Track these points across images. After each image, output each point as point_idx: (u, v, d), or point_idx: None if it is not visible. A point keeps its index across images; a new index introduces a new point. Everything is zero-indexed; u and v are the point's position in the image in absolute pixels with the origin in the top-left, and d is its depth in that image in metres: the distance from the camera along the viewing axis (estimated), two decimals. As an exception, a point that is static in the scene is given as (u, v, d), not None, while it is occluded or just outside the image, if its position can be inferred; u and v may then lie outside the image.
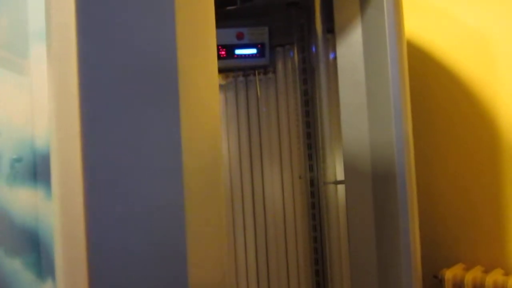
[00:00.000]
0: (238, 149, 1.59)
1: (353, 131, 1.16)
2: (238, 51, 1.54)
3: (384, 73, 1.11)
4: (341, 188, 1.25)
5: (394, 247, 1.10)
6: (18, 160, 0.66)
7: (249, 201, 1.58)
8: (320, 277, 1.48)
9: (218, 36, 1.50)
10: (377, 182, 1.11)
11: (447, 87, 1.48)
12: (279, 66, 1.58)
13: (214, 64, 0.72)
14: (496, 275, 1.28)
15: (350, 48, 1.18)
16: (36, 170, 0.66)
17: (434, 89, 1.50)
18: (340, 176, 1.26)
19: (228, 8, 1.52)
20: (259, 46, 1.55)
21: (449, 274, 1.32)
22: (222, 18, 1.56)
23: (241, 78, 1.61)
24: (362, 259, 1.14)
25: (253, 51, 1.55)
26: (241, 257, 1.58)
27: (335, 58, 1.34)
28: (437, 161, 1.49)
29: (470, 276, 1.29)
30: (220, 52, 1.53)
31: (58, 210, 0.57)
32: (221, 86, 1.62)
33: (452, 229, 1.46)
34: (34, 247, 0.66)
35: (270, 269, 1.57)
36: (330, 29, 1.33)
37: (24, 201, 0.66)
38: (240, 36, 1.54)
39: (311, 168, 1.49)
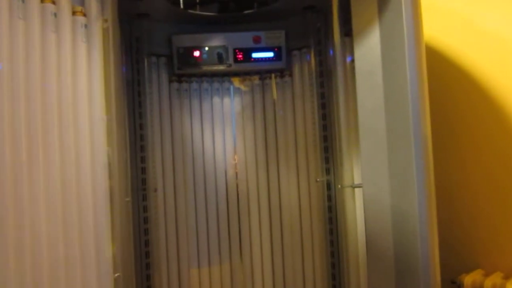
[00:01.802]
0: (255, 152, 1.60)
1: (370, 135, 1.16)
2: (255, 55, 1.55)
3: (402, 76, 1.10)
4: (358, 191, 1.25)
5: (413, 252, 1.08)
6: None
7: (265, 205, 1.59)
8: (336, 281, 1.47)
9: (235, 39, 1.53)
10: (395, 186, 1.10)
11: (465, 90, 1.46)
12: (296, 69, 1.59)
13: None
14: (516, 282, 1.26)
15: (368, 51, 1.18)
16: None
17: (452, 92, 1.49)
18: (358, 179, 1.26)
19: (245, 12, 1.53)
20: (275, 49, 1.56)
21: (468, 280, 1.30)
22: (239, 22, 1.58)
23: (257, 82, 1.61)
24: (380, 263, 1.13)
25: (270, 54, 1.55)
26: (257, 259, 1.58)
27: (352, 61, 1.33)
28: (455, 165, 1.48)
29: (489, 282, 1.27)
30: (237, 56, 1.54)
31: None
32: (237, 89, 1.63)
33: (471, 234, 1.44)
34: None
35: (286, 272, 1.57)
36: (347, 33, 1.33)
37: None
38: (257, 39, 1.55)
39: (327, 171, 1.49)
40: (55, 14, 1.01)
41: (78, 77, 1.07)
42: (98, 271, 1.08)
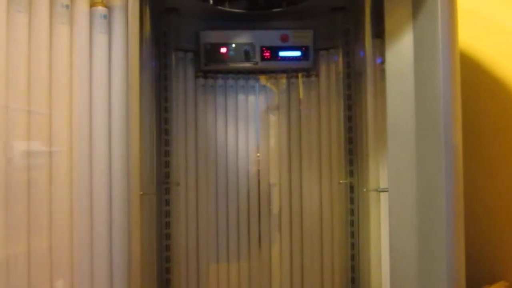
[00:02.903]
0: (278, 152, 1.59)
1: (398, 138, 1.14)
2: (282, 53, 1.54)
3: (435, 81, 1.08)
4: (383, 196, 1.23)
5: (437, 261, 1.07)
6: None
7: (286, 204, 1.58)
8: (355, 284, 1.46)
9: (262, 37, 1.53)
10: (422, 192, 1.08)
11: (498, 99, 1.43)
12: (323, 69, 1.57)
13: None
14: (541, 295, 1.23)
15: (400, 53, 1.16)
16: None
17: (484, 100, 1.46)
18: (383, 183, 1.24)
19: (274, 10, 1.52)
20: (303, 49, 1.55)
21: (491, 291, 1.28)
22: (267, 20, 1.57)
23: (283, 81, 1.60)
24: (403, 271, 1.12)
25: (297, 53, 1.54)
26: (276, 259, 1.58)
27: (381, 63, 1.32)
28: (483, 175, 1.45)
29: (513, 295, 1.25)
30: (264, 54, 1.54)
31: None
32: (263, 88, 1.62)
33: (495, 246, 1.41)
34: None
35: (304, 273, 1.56)
36: (378, 34, 1.31)
37: None
38: (284, 38, 1.54)
39: (351, 174, 1.47)
40: (67, 6, 1.01)
41: (95, 67, 1.06)
42: (114, 263, 1.09)
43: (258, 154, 1.60)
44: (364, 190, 1.32)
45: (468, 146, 1.40)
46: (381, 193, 1.22)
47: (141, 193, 1.15)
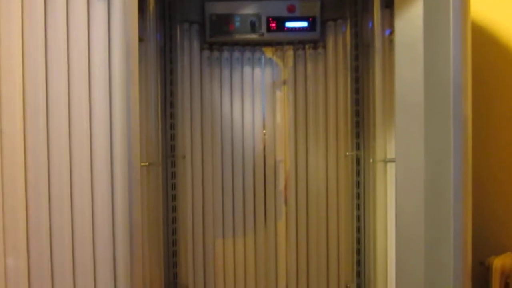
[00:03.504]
0: (284, 124, 1.58)
1: (407, 109, 1.13)
2: (288, 24, 1.52)
3: (445, 50, 1.06)
4: (390, 167, 1.22)
5: (444, 232, 1.06)
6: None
7: (292, 178, 1.58)
8: (361, 255, 1.47)
9: (269, 8, 1.50)
10: (430, 162, 1.08)
11: (509, 68, 1.40)
12: (330, 41, 1.55)
13: None
14: (547, 267, 1.23)
15: (409, 23, 1.14)
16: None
17: (495, 70, 1.43)
18: (390, 155, 1.23)
19: (281, -20, 1.49)
20: (310, 19, 1.52)
21: (497, 262, 1.28)
22: (274, -10, 1.54)
23: (290, 52, 1.58)
24: (409, 241, 1.12)
25: (304, 24, 1.52)
26: (282, 233, 1.58)
27: (390, 34, 1.29)
28: (492, 146, 1.43)
29: (519, 266, 1.25)
30: (270, 24, 1.51)
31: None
32: (269, 60, 1.60)
33: (502, 217, 1.41)
34: None
35: (310, 246, 1.57)
36: (387, 4, 1.29)
37: None
38: (291, 9, 1.52)
39: (357, 147, 1.46)
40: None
41: (92, 35, 1.04)
42: (116, 234, 1.09)
43: (264, 127, 1.59)
44: (371, 161, 1.32)
45: (479, 117, 1.39)
46: (388, 164, 1.21)
47: (143, 164, 1.14)
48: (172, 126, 1.49)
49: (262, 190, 1.59)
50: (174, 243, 1.51)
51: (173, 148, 1.50)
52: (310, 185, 1.56)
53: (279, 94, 1.59)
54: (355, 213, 1.48)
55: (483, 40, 1.44)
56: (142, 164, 1.23)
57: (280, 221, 1.59)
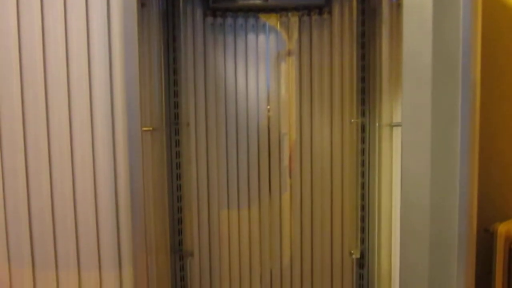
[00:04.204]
0: (288, 92, 1.56)
1: (414, 72, 1.10)
2: (293, -11, 1.48)
3: (455, 13, 1.03)
4: (396, 133, 1.21)
5: (450, 197, 1.06)
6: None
7: (297, 145, 1.57)
8: (365, 223, 1.47)
9: (272, -28, 1.46)
10: (436, 126, 1.06)
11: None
12: (336, 6, 1.51)
13: None
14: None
15: (418, -16, 1.10)
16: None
17: (505, 34, 1.40)
18: (396, 120, 1.22)
19: None
20: (315, -17, 1.48)
21: (502, 229, 1.28)
22: (278, -46, 1.50)
23: (295, 19, 1.55)
24: (415, 207, 1.12)
25: (309, -11, 1.48)
26: (286, 202, 1.59)
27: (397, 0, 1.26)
28: (500, 112, 1.41)
29: (524, 232, 1.25)
30: (274, -10, 1.48)
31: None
32: (273, 27, 1.57)
33: (507, 184, 1.40)
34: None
35: (314, 214, 1.57)
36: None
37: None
38: (295, -27, 1.48)
39: (363, 113, 1.45)
40: None
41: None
42: (118, 199, 1.09)
43: (269, 95, 1.57)
44: (377, 125, 1.30)
45: (487, 83, 1.36)
46: (394, 129, 1.20)
47: (147, 128, 1.13)
48: (176, 94, 1.48)
49: (266, 157, 1.58)
50: (179, 210, 1.52)
51: (176, 116, 1.49)
52: (315, 153, 1.55)
53: (283, 61, 1.57)
54: (359, 180, 1.48)
55: (493, 3, 1.40)
56: (145, 128, 1.23)
57: (285, 191, 1.59)
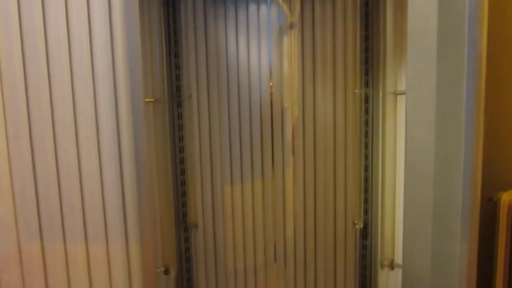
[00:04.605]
0: (290, 64, 1.54)
1: (419, 39, 1.08)
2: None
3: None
4: (400, 100, 1.20)
5: (454, 166, 1.06)
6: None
7: (299, 118, 1.56)
8: (368, 194, 1.48)
9: None
10: (442, 92, 1.05)
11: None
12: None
13: None
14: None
15: None
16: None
17: None
18: (400, 87, 1.21)
19: None
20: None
21: (506, 197, 1.28)
22: None
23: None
24: (418, 173, 1.11)
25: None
26: (289, 175, 1.59)
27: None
28: (505, 79, 1.39)
29: (527, 201, 1.25)
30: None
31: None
32: (275, 1, 1.54)
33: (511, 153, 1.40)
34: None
35: (317, 188, 1.57)
36: None
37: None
38: None
39: (366, 84, 1.43)
40: None
41: None
42: (123, 171, 1.09)
43: (270, 66, 1.55)
44: (381, 94, 1.29)
45: (493, 51, 1.34)
46: (398, 97, 1.18)
47: (149, 99, 1.12)
48: (177, 66, 1.46)
49: (269, 129, 1.57)
50: (183, 183, 1.52)
51: (178, 89, 1.47)
52: (318, 125, 1.54)
53: (285, 34, 1.54)
54: (363, 151, 1.47)
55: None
56: (147, 100, 1.22)
57: (288, 165, 1.59)
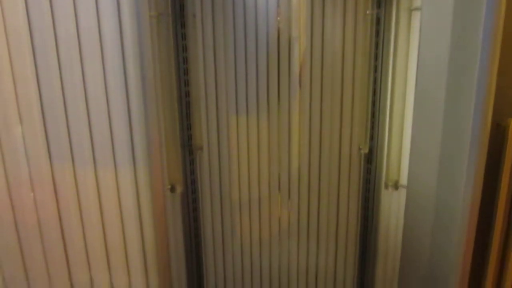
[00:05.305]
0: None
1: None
2: None
3: None
4: (414, 16, 1.14)
5: (467, 85, 1.03)
6: None
7: (307, 45, 1.50)
8: (376, 118, 1.46)
9: None
10: (458, 10, 1.00)
11: None
12: None
13: None
14: None
15: None
16: None
17: None
18: (416, 3, 1.15)
19: None
20: None
21: (514, 123, 1.26)
22: None
23: None
24: (429, 93, 1.09)
25: None
26: (295, 98, 1.56)
27: None
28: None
29: (536, 127, 1.23)
30: None
31: None
32: None
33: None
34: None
35: (323, 110, 1.55)
36: None
37: None
38: None
39: (378, 5, 1.37)
40: None
41: None
42: (129, 95, 1.08)
43: (278, 6, 1.48)
44: (394, 12, 1.23)
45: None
46: (413, 14, 1.13)
47: (152, 13, 1.08)
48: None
49: (276, 59, 1.53)
50: (187, 105, 1.50)
51: (182, 7, 1.41)
52: (326, 50, 1.50)
53: None
54: (372, 75, 1.44)
55: None
56: (151, 13, 1.17)
57: (294, 89, 1.56)
